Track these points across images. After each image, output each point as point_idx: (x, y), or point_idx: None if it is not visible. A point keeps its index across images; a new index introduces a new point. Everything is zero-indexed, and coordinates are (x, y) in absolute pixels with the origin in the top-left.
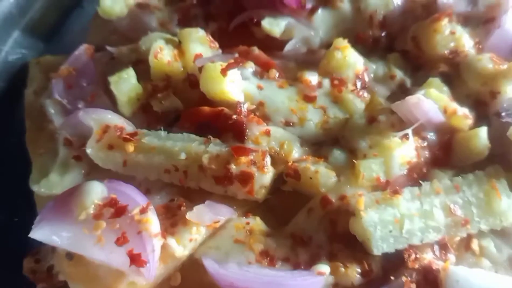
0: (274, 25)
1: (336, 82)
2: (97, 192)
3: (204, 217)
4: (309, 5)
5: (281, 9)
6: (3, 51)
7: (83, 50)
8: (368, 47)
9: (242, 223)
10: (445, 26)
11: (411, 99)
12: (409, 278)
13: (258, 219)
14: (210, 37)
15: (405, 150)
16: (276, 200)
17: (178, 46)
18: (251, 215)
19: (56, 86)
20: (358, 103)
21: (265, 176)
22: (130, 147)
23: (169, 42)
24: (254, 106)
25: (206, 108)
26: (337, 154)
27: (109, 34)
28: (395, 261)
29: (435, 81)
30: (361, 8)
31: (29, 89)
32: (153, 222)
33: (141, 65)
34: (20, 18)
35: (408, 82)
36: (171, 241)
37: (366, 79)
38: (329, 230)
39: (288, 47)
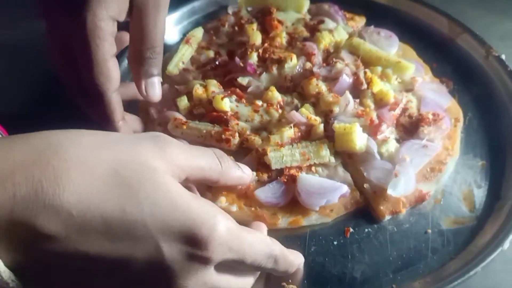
0: (243, 80)
1: (268, 105)
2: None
3: None
4: (259, 71)
5: (246, 73)
6: None
7: (166, 87)
8: (284, 90)
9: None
10: (314, 81)
11: (290, 113)
12: (284, 178)
13: (231, 157)
14: (218, 84)
15: (289, 133)
16: (240, 150)
17: (205, 87)
18: (230, 155)
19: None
20: (276, 114)
21: (235, 140)
22: (184, 127)
23: (201, 85)
24: (233, 113)
25: (215, 113)
26: (264, 133)
27: (172, 82)
28: (281, 171)
29: (307, 105)
30: (281, 72)
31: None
32: None
33: (189, 95)
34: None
35: (299, 105)
36: None
37: (281, 103)
38: (257, 161)
39: (249, 89)
